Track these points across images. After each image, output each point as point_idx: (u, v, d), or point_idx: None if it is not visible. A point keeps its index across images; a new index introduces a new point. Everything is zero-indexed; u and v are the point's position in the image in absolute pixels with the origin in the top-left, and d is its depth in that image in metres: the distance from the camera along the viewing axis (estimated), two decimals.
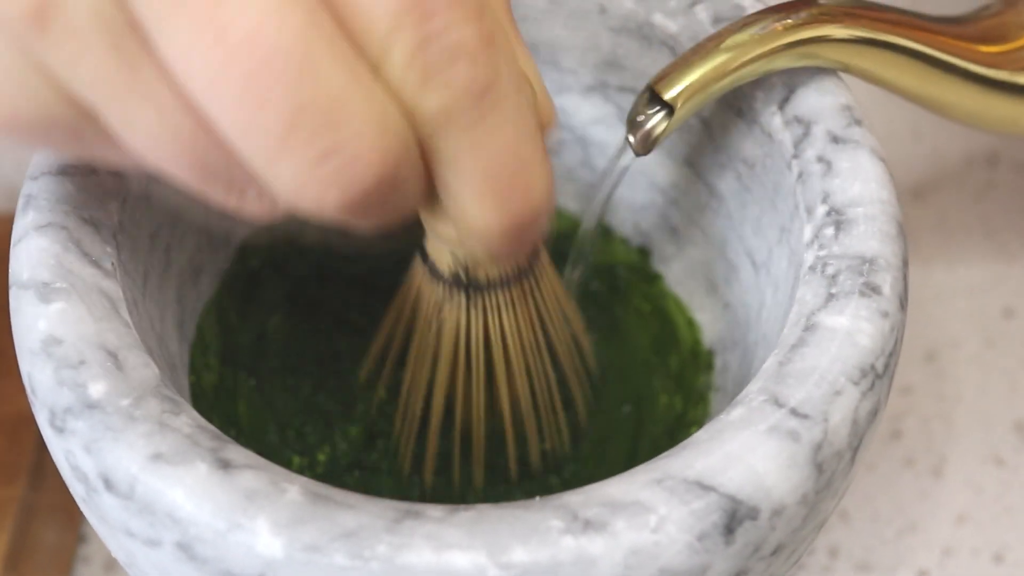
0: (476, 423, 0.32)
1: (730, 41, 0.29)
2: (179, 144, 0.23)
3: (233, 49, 0.21)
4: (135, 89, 0.22)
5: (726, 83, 0.29)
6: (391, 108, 0.23)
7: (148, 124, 0.23)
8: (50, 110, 0.23)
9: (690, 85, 0.29)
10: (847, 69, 0.30)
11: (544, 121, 0.26)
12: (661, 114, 0.30)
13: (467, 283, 0.30)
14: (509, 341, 0.31)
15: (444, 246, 0.29)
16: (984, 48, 0.32)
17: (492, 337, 0.31)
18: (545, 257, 0.31)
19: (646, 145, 0.30)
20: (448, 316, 0.31)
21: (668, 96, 0.29)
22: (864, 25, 0.30)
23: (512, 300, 0.30)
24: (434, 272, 0.30)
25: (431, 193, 0.25)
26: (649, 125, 0.30)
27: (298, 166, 0.22)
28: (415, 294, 0.31)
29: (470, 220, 0.25)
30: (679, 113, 0.29)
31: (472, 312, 0.30)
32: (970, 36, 0.32)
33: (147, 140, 0.23)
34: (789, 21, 0.29)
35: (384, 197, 0.23)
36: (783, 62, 0.30)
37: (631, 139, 0.30)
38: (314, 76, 0.22)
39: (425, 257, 0.30)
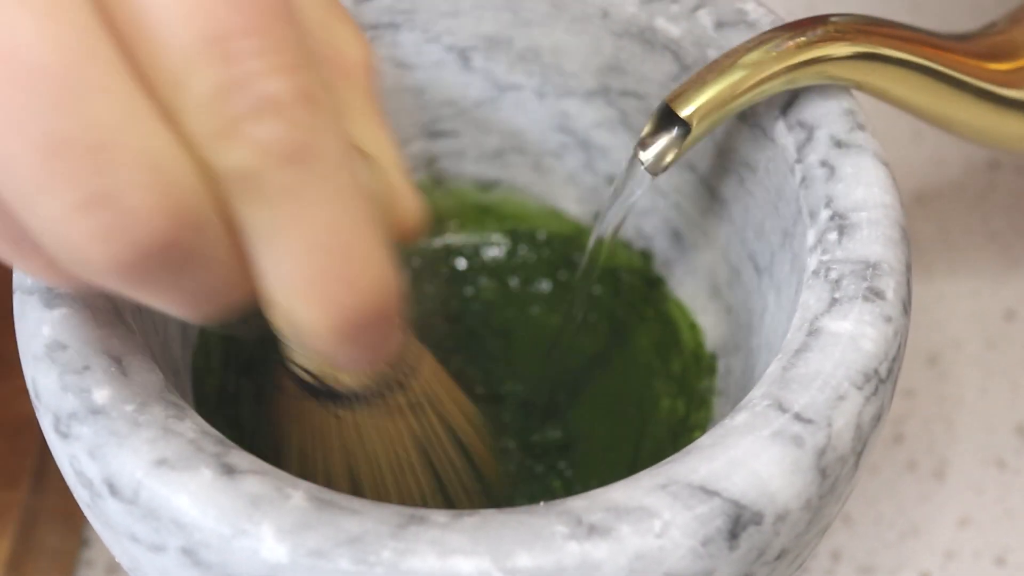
0: None
1: (745, 59, 0.29)
2: None
3: None
4: None
5: (742, 102, 0.29)
6: (180, 158, 0.19)
7: None
8: None
9: (707, 102, 0.29)
10: (861, 87, 0.30)
11: (402, 220, 0.23)
12: (676, 133, 0.29)
13: (321, 391, 0.27)
14: (374, 459, 0.29)
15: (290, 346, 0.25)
16: (992, 66, 0.32)
17: (357, 452, 0.28)
18: (429, 368, 0.28)
19: (660, 164, 0.30)
20: (307, 427, 0.28)
21: (685, 113, 0.29)
22: (877, 42, 0.29)
23: (377, 414, 0.28)
24: (290, 376, 0.27)
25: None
26: (664, 144, 0.29)
27: (58, 210, 0.19)
28: (283, 400, 0.29)
29: (290, 314, 0.21)
30: (696, 131, 0.29)
31: (332, 424, 0.28)
32: (978, 54, 0.32)
33: None
34: (803, 39, 0.29)
35: (173, 267, 0.20)
36: (798, 80, 0.29)
37: (644, 157, 0.30)
38: (80, 103, 0.18)
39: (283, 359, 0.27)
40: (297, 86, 0.19)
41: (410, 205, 0.23)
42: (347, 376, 0.26)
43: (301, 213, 0.20)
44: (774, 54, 0.29)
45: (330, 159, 0.20)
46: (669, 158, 0.29)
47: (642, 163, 0.30)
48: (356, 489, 0.29)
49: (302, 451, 0.29)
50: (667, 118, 0.29)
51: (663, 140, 0.29)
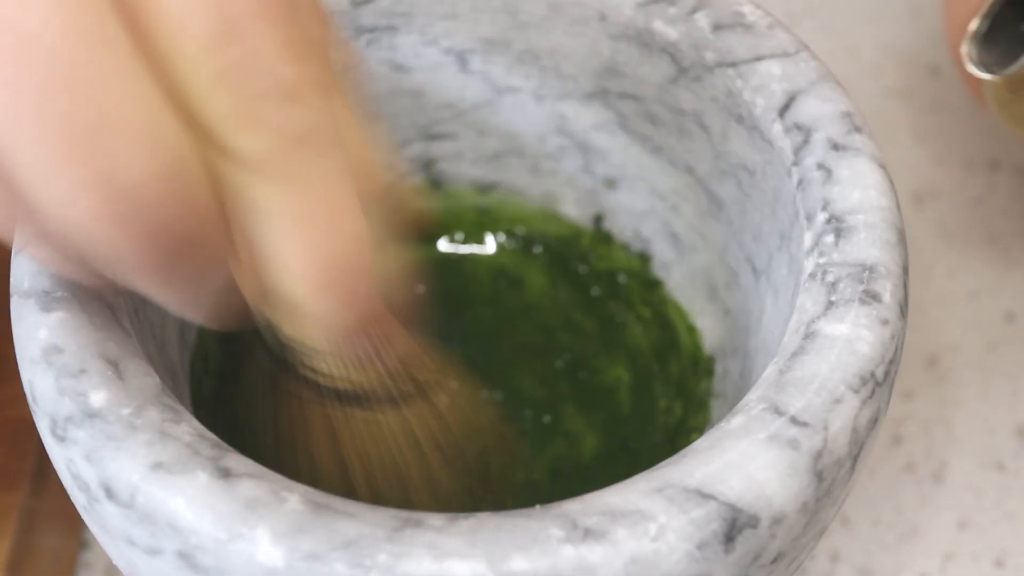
0: None
1: None
2: None
3: None
4: None
5: None
6: (183, 144, 0.20)
7: None
8: None
9: None
10: None
11: (370, 183, 0.24)
12: None
13: (330, 389, 0.27)
14: (380, 459, 0.29)
15: (290, 343, 0.26)
16: None
17: (368, 450, 0.29)
18: (432, 371, 0.29)
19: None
20: (313, 428, 0.28)
21: None
22: None
23: (385, 417, 0.28)
24: (299, 378, 0.27)
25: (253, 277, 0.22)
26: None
27: (66, 186, 0.19)
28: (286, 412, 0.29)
29: (281, 267, 0.22)
30: None
31: (338, 423, 0.28)
32: None
33: None
34: None
35: (174, 249, 0.20)
36: None
37: (978, 58, 0.24)
38: (92, 86, 0.19)
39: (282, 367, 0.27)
40: (308, 70, 0.20)
41: (379, 171, 0.24)
42: (352, 373, 0.27)
43: (305, 186, 0.21)
44: None
45: (331, 139, 0.21)
46: None
47: (976, 65, 0.25)
48: (371, 485, 0.29)
49: (309, 452, 0.29)
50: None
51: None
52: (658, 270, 0.36)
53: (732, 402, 0.33)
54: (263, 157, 0.20)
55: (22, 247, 0.22)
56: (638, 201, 0.36)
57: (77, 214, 0.19)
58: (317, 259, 0.22)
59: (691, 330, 0.35)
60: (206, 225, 0.21)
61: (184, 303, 0.23)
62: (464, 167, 0.37)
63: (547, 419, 0.35)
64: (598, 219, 0.37)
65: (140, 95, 0.19)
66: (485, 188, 0.37)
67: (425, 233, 0.38)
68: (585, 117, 0.35)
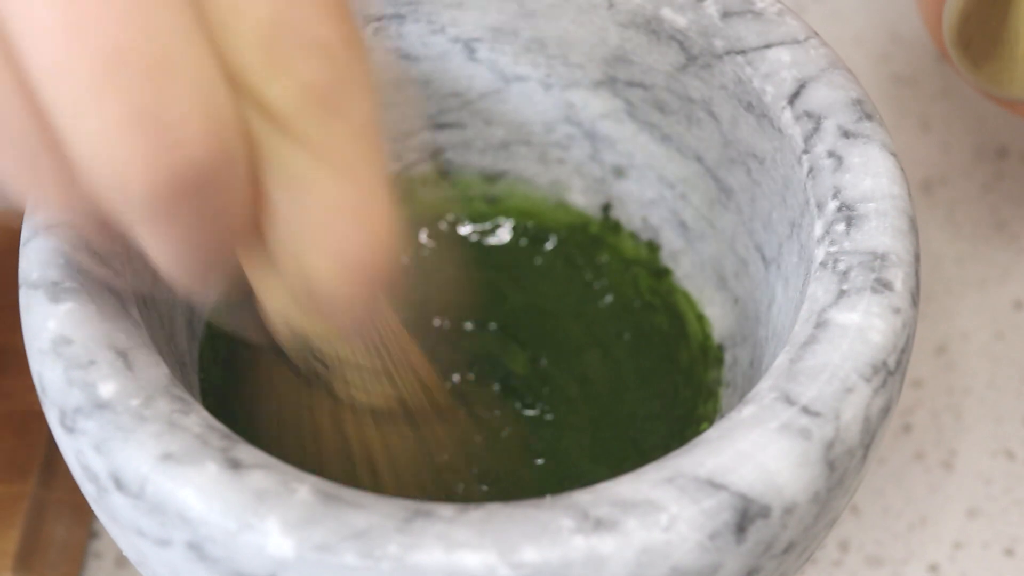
0: None
1: None
2: None
3: None
4: None
5: None
6: (226, 90, 0.20)
7: None
8: None
9: None
10: None
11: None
12: None
13: (316, 362, 0.27)
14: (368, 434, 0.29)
15: (281, 320, 0.25)
16: None
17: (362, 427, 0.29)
18: (390, 314, 0.28)
19: None
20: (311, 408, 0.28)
21: None
22: None
23: (367, 378, 0.28)
24: (283, 356, 0.27)
25: (259, 238, 0.22)
26: None
27: (107, 121, 0.19)
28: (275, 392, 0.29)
29: (302, 255, 0.22)
30: None
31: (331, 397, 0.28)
32: None
33: None
34: None
35: (202, 196, 0.20)
36: None
37: None
38: (143, 18, 0.19)
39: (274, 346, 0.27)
40: (341, 31, 0.21)
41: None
42: (337, 346, 0.27)
43: (330, 147, 0.21)
44: None
45: (364, 100, 0.21)
46: None
47: None
48: (375, 477, 0.29)
49: (315, 440, 0.29)
50: None
51: None
52: (667, 259, 0.36)
53: (742, 391, 0.33)
54: (294, 112, 0.20)
55: (23, 188, 0.21)
56: (646, 190, 0.36)
57: (116, 148, 0.19)
58: (339, 245, 0.21)
59: (700, 319, 0.35)
60: (234, 179, 0.20)
61: (186, 257, 0.22)
62: (472, 156, 0.37)
63: (552, 410, 0.35)
64: (606, 208, 0.37)
65: (191, 37, 0.19)
66: (493, 177, 0.37)
67: (432, 220, 0.38)
68: (593, 105, 0.35)
